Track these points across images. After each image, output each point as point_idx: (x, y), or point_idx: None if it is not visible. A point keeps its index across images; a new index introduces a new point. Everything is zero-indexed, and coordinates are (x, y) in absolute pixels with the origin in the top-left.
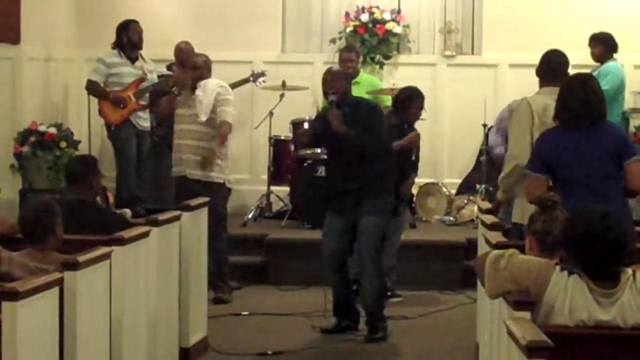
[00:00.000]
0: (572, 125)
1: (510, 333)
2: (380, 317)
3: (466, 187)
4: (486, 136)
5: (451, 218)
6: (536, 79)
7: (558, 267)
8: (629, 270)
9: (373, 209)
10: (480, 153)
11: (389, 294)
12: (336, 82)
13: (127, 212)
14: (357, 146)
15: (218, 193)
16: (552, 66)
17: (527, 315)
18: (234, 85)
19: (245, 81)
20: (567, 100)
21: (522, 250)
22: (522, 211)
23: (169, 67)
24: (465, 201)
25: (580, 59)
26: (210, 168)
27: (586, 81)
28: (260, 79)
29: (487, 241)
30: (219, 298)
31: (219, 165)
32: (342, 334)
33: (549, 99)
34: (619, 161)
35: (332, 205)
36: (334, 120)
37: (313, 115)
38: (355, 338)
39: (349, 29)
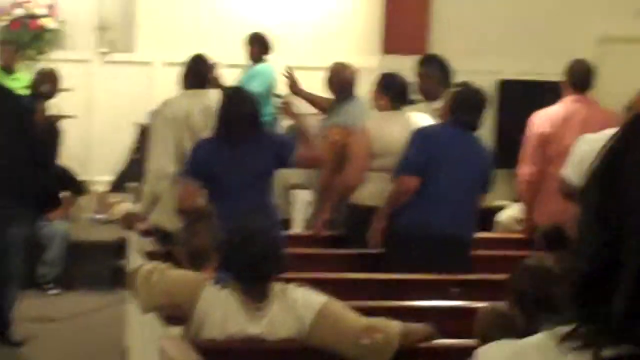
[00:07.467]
0: (231, 137)
1: (162, 351)
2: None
3: (119, 185)
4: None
5: (102, 216)
6: None
7: (210, 282)
8: (280, 285)
9: (21, 218)
10: (133, 151)
11: None
12: None
13: None
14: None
15: None
16: (202, 71)
17: (179, 330)
18: None
19: None
20: (229, 114)
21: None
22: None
23: None
24: (118, 199)
25: (232, 59)
26: None
27: (245, 96)
28: None
29: (140, 250)
30: None
31: None
32: None
33: (192, 102)
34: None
35: None
36: None
37: None
38: None
39: (2, 24)
